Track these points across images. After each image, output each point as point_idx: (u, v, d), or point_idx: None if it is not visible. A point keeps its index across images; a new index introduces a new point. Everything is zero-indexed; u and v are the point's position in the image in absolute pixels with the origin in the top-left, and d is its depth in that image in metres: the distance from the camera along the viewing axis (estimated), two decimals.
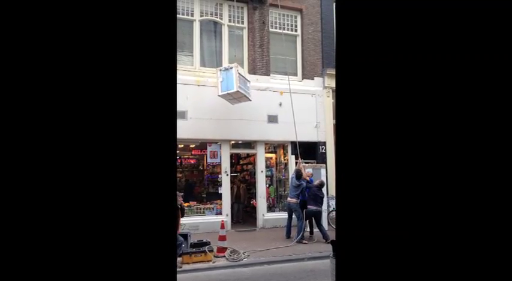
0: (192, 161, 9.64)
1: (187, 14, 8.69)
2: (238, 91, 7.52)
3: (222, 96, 7.77)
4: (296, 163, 8.34)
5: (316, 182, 7.45)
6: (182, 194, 6.40)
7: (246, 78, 8.02)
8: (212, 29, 9.00)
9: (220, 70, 7.74)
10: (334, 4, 9.86)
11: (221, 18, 8.97)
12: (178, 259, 5.73)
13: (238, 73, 7.56)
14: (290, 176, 8.15)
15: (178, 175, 9.34)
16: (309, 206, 7.24)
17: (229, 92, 7.57)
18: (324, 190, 7.64)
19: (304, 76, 9.56)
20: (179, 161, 9.42)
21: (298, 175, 7.56)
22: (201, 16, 8.83)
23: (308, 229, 7.53)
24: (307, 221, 7.49)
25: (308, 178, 7.63)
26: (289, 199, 7.59)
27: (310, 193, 7.30)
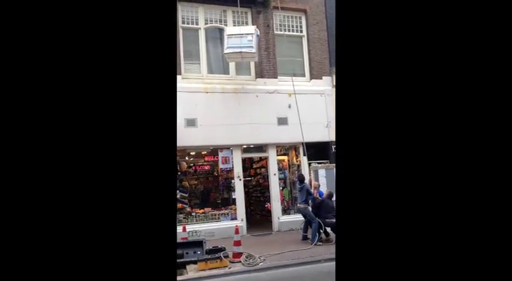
0: (206, 168, 9.71)
1: (192, 23, 8.80)
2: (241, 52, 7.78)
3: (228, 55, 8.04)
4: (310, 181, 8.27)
5: (325, 193, 7.42)
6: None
7: (253, 34, 7.98)
8: (217, 36, 9.07)
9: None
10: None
11: (226, 25, 9.03)
12: (194, 266, 5.77)
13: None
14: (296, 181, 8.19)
15: (194, 181, 9.43)
16: (326, 220, 7.15)
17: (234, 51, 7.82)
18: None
19: (313, 76, 9.51)
20: (193, 168, 9.50)
21: (301, 179, 7.67)
22: (206, 24, 8.92)
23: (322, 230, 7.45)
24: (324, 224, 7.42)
25: (316, 191, 7.63)
26: (298, 205, 7.66)
27: (323, 205, 7.26)
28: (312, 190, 7.61)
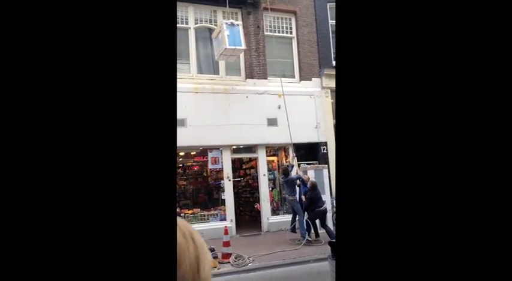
0: (195, 168, 9.66)
1: (182, 23, 8.74)
2: (244, 49, 8.02)
3: (228, 50, 7.92)
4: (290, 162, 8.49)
5: (308, 186, 7.45)
6: None
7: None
8: (207, 35, 9.04)
9: (227, 24, 7.95)
10: (335, 3, 9.88)
11: (216, 25, 9.00)
12: None
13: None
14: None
15: (183, 182, 9.37)
16: (320, 209, 7.23)
17: (236, 48, 7.86)
18: (327, 190, 7.70)
19: (302, 78, 9.56)
20: (183, 169, 9.44)
21: (285, 172, 7.81)
22: (196, 24, 8.89)
23: (313, 231, 7.49)
24: (312, 223, 7.46)
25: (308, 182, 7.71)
26: (287, 196, 7.84)
27: (312, 199, 7.30)
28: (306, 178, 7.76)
